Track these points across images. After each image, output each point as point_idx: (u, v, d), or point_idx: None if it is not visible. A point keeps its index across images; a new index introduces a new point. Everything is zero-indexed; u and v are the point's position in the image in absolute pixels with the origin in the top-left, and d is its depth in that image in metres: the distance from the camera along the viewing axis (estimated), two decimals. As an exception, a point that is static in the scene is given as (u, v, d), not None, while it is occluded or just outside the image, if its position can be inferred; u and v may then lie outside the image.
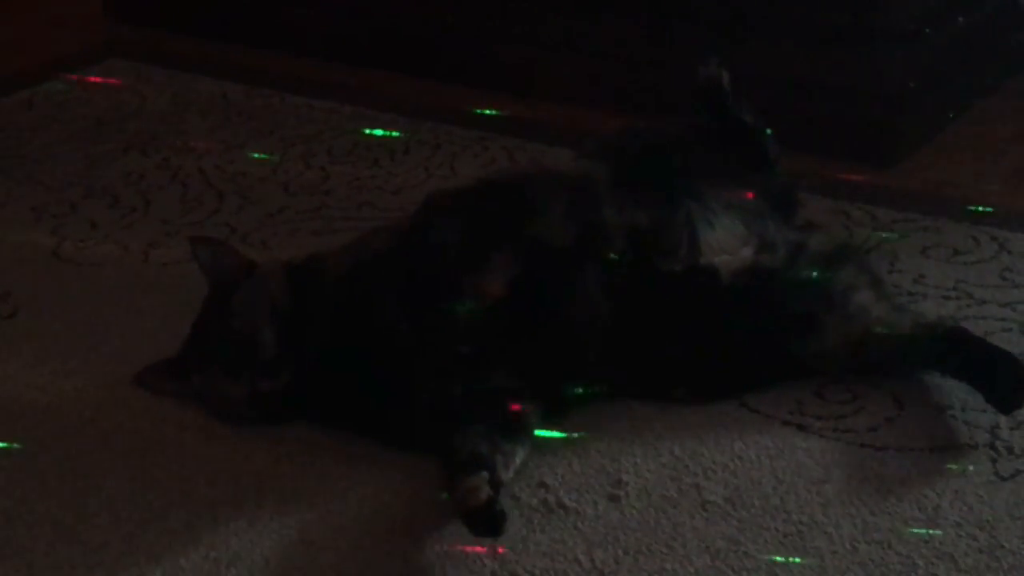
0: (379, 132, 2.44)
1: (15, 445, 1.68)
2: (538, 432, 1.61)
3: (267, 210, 2.26)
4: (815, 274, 1.70)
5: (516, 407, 1.60)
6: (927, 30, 2.39)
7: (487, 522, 1.44)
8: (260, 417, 1.68)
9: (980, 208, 2.11)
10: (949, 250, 2.01)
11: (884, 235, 2.05)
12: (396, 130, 2.53)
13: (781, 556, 1.44)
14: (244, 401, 1.67)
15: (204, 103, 2.72)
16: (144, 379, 1.76)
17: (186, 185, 2.37)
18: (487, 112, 2.45)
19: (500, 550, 1.46)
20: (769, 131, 1.95)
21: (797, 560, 1.43)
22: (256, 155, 2.41)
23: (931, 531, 1.46)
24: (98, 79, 2.88)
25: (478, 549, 1.47)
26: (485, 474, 1.48)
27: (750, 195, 1.79)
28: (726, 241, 1.71)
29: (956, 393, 1.67)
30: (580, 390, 1.67)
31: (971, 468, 1.55)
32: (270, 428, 1.68)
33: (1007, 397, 1.58)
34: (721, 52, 2.03)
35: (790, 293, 1.69)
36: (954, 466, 1.55)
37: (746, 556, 1.45)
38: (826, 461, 1.58)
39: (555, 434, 1.61)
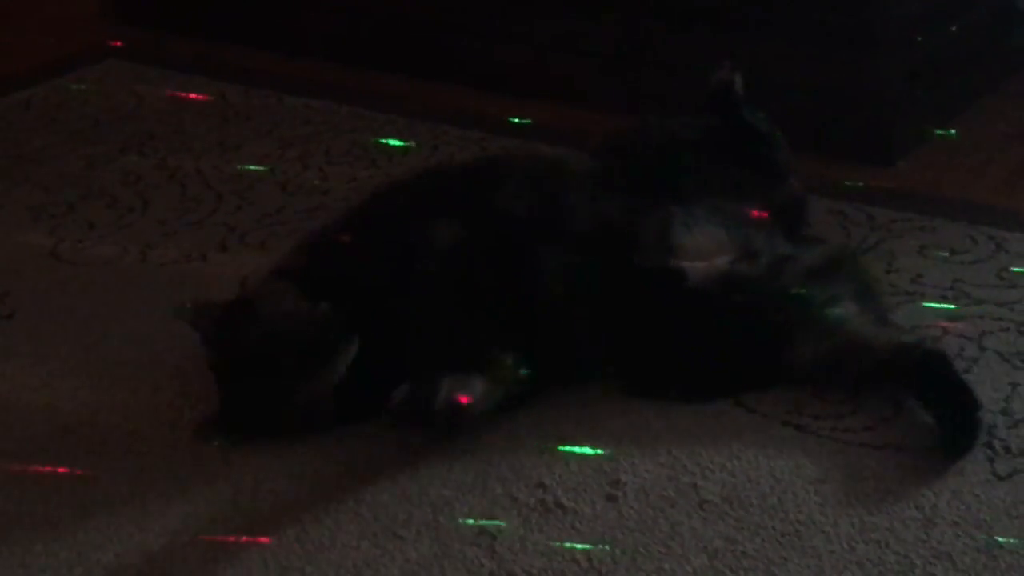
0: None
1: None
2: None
3: (265, 210, 2.26)
4: (793, 288, 1.70)
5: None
6: (924, 31, 2.39)
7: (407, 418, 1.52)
8: (343, 399, 1.64)
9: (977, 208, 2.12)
10: (947, 250, 2.01)
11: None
12: (395, 129, 2.53)
13: (779, 555, 1.44)
14: (333, 381, 1.61)
15: (202, 104, 2.72)
16: (202, 433, 1.66)
17: (184, 185, 2.38)
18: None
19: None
20: (780, 138, 1.94)
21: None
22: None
23: (928, 530, 1.46)
24: (96, 80, 2.88)
25: (474, 548, 1.47)
26: (404, 386, 1.53)
27: (755, 212, 1.79)
28: (702, 247, 1.71)
29: (953, 393, 1.67)
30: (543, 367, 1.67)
31: (968, 468, 1.55)
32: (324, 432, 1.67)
33: (957, 442, 1.57)
34: (717, 52, 2.03)
35: (766, 304, 1.69)
36: (951, 465, 1.55)
37: (744, 556, 1.45)
38: (824, 461, 1.58)
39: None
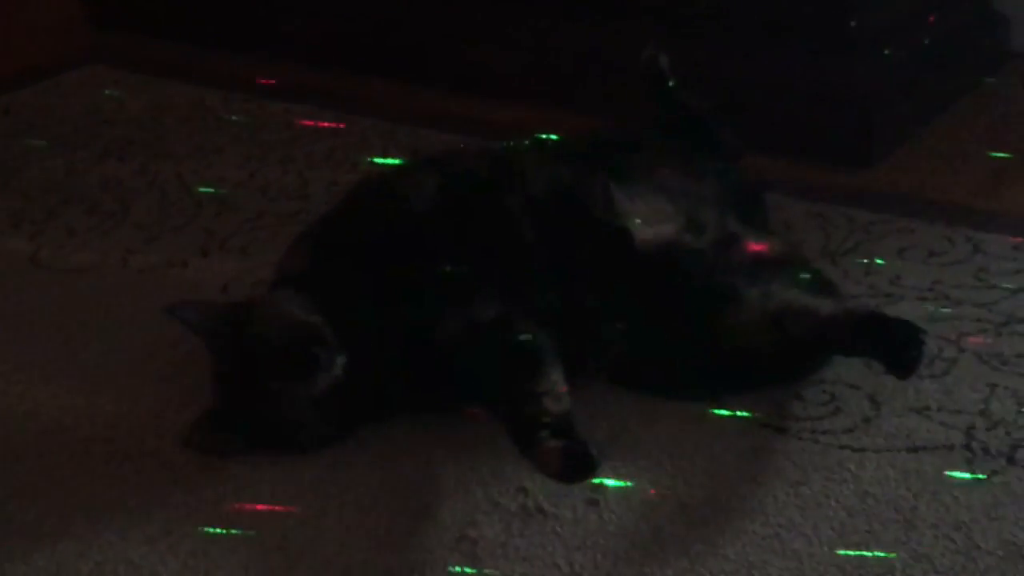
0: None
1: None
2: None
3: (246, 216, 2.26)
4: (743, 262, 1.72)
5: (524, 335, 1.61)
6: (901, 33, 2.40)
7: (577, 469, 1.47)
8: (339, 414, 1.63)
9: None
10: (925, 251, 2.01)
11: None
12: (376, 133, 2.54)
13: (759, 559, 1.45)
14: (320, 395, 1.60)
15: (182, 109, 2.71)
16: (194, 441, 1.65)
17: (164, 191, 2.37)
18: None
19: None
20: (720, 118, 1.96)
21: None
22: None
23: (908, 532, 1.47)
24: (76, 85, 2.88)
25: (457, 555, 1.47)
26: (543, 432, 1.48)
27: (697, 183, 1.83)
28: (645, 213, 1.73)
29: (932, 394, 1.68)
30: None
31: (948, 469, 1.56)
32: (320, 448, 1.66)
33: (901, 361, 1.58)
34: (697, 54, 2.04)
35: (711, 271, 1.70)
36: (931, 467, 1.56)
37: (725, 559, 1.45)
38: (804, 463, 1.59)
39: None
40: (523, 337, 1.62)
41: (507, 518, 1.53)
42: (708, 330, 1.68)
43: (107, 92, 2.82)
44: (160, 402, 1.77)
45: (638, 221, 1.72)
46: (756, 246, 1.76)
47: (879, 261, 1.98)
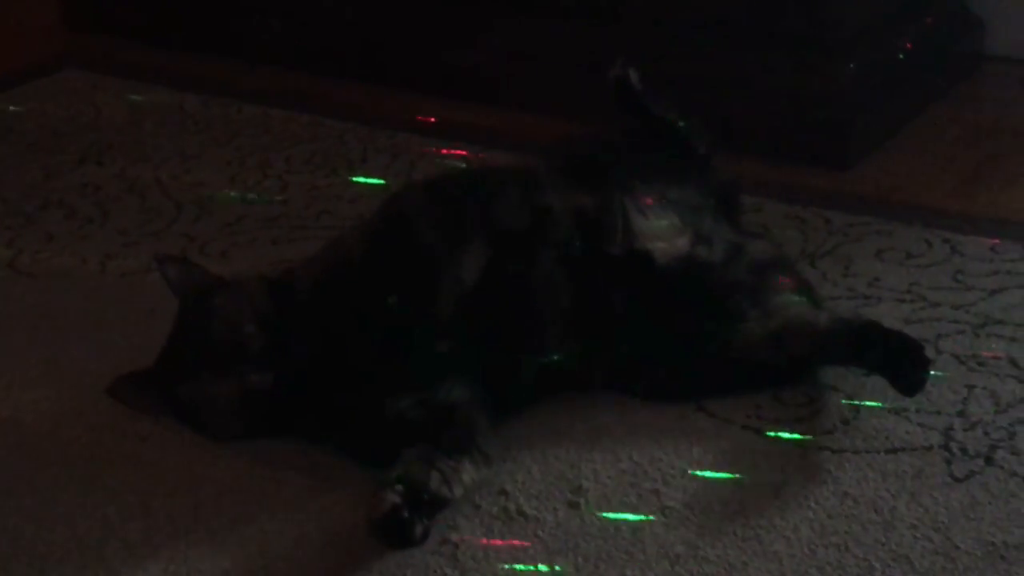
0: (366, 180, 2.38)
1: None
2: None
3: (225, 220, 2.26)
4: (743, 275, 1.73)
5: (464, 421, 1.60)
6: (878, 37, 2.41)
7: (392, 530, 1.44)
8: (250, 422, 1.66)
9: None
10: (902, 253, 2.03)
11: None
12: (354, 138, 2.54)
13: (740, 560, 1.45)
14: (236, 400, 1.63)
15: (160, 113, 2.71)
16: (118, 391, 1.70)
17: (143, 196, 2.37)
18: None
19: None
20: (695, 125, 1.97)
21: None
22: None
23: (887, 533, 1.47)
24: (53, 90, 2.87)
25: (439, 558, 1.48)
26: (399, 487, 1.46)
27: (683, 191, 1.83)
28: (660, 231, 1.74)
29: (911, 395, 1.69)
30: (534, 386, 1.69)
31: (926, 470, 1.56)
32: (231, 441, 1.68)
33: (910, 381, 1.61)
34: (676, 58, 2.04)
35: (723, 288, 1.72)
36: (909, 468, 1.57)
37: (705, 561, 1.46)
38: (784, 465, 1.59)
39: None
40: (465, 428, 1.60)
41: (488, 521, 1.53)
42: (714, 346, 1.69)
43: (85, 97, 2.81)
44: (140, 407, 1.76)
45: (658, 243, 1.73)
46: (752, 252, 1.78)
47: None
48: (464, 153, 2.43)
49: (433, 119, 2.58)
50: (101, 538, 1.55)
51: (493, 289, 1.66)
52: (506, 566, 1.47)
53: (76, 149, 2.57)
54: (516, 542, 1.50)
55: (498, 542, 1.50)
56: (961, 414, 1.66)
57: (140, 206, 2.33)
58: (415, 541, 1.45)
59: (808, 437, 1.63)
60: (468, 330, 1.64)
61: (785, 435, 1.64)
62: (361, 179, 2.33)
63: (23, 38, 3.15)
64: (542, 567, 1.46)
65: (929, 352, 1.75)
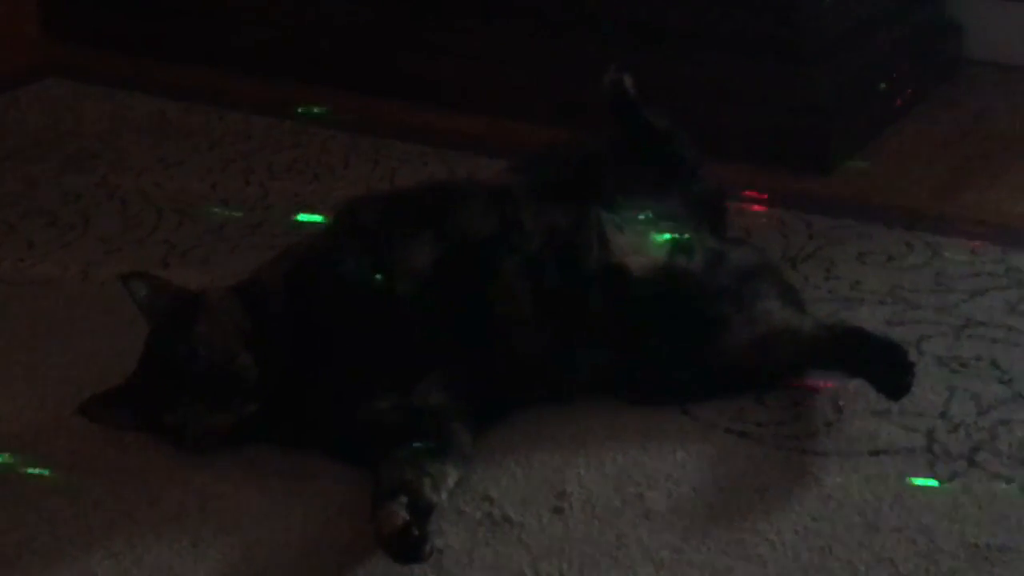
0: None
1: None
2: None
3: (207, 227, 2.26)
4: (726, 283, 1.73)
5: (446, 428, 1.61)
6: (857, 41, 2.42)
7: (404, 547, 1.43)
8: (238, 441, 1.66)
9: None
10: (884, 256, 2.03)
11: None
12: (337, 144, 2.54)
13: (724, 564, 1.45)
14: (230, 429, 1.64)
15: (142, 121, 2.70)
16: (90, 410, 1.68)
17: (125, 203, 2.36)
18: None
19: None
20: (683, 134, 1.97)
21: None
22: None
23: (871, 536, 1.48)
24: (35, 98, 2.86)
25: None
26: (404, 499, 1.47)
27: (665, 201, 1.83)
28: (637, 244, 1.74)
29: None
30: (508, 391, 1.69)
31: (909, 472, 1.57)
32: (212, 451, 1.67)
33: (896, 385, 1.61)
34: (655, 64, 2.05)
35: (705, 296, 1.72)
36: (892, 470, 1.57)
37: (690, 565, 1.46)
38: (767, 468, 1.60)
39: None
40: (445, 430, 1.61)
41: (472, 527, 1.53)
42: (699, 353, 1.70)
43: (66, 105, 2.80)
44: (123, 415, 1.76)
45: (635, 256, 1.73)
46: (735, 260, 1.78)
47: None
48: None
49: (419, 126, 2.58)
50: (84, 548, 1.54)
51: (450, 288, 1.67)
52: (491, 572, 1.47)
53: (57, 157, 2.56)
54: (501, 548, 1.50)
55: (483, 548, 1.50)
56: (943, 416, 1.66)
57: (122, 214, 2.32)
58: (424, 559, 1.45)
59: (791, 439, 1.63)
60: (432, 322, 1.64)
61: (769, 438, 1.64)
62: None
63: (3, 47, 3.14)
64: (527, 572, 1.46)
65: (911, 354, 1.76)
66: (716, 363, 1.70)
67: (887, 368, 1.62)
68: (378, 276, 1.67)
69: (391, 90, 2.73)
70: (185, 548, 1.53)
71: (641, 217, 1.79)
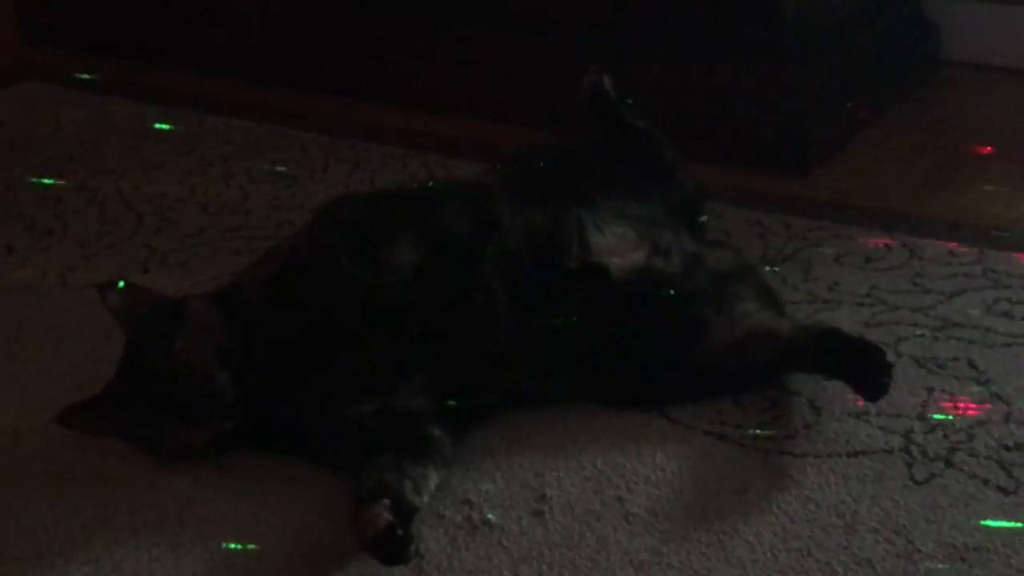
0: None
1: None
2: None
3: (186, 231, 2.25)
4: (704, 285, 1.74)
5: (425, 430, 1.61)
6: (835, 42, 2.43)
7: (389, 548, 1.44)
8: (217, 452, 1.66)
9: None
10: (861, 257, 2.04)
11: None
12: (316, 147, 2.54)
13: (703, 566, 1.46)
14: (207, 444, 1.64)
15: (121, 125, 2.70)
16: (67, 419, 1.67)
17: (104, 207, 2.36)
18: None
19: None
20: (662, 136, 1.98)
21: (719, 569, 1.45)
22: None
23: (849, 537, 1.48)
24: (13, 102, 2.85)
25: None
26: (386, 501, 1.48)
27: (644, 203, 1.84)
28: (616, 245, 1.75)
29: (871, 399, 1.70)
30: (489, 393, 1.69)
31: (887, 473, 1.58)
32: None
33: (873, 386, 1.62)
34: (635, 66, 2.05)
35: (684, 298, 1.73)
36: (870, 471, 1.58)
37: (669, 567, 1.46)
38: (746, 470, 1.60)
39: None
40: (425, 433, 1.61)
41: (452, 531, 1.54)
42: (678, 355, 1.70)
43: (45, 109, 2.80)
44: (102, 421, 1.75)
45: (613, 258, 1.73)
46: (712, 263, 1.79)
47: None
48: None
49: (396, 129, 2.58)
50: (64, 553, 1.54)
51: (432, 287, 1.67)
52: None
53: (36, 161, 2.56)
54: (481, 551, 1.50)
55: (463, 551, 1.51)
56: (921, 417, 1.67)
57: (101, 218, 2.32)
58: (408, 559, 1.45)
59: (770, 441, 1.64)
60: (414, 321, 1.64)
61: (747, 440, 1.65)
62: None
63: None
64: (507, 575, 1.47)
65: (889, 355, 1.76)
66: (695, 365, 1.71)
67: (865, 369, 1.63)
68: (365, 276, 1.67)
69: (370, 93, 2.73)
70: (164, 553, 1.53)
71: (620, 218, 1.79)
